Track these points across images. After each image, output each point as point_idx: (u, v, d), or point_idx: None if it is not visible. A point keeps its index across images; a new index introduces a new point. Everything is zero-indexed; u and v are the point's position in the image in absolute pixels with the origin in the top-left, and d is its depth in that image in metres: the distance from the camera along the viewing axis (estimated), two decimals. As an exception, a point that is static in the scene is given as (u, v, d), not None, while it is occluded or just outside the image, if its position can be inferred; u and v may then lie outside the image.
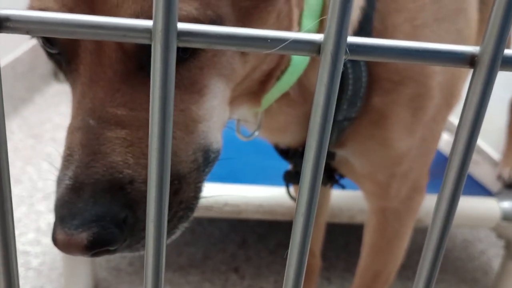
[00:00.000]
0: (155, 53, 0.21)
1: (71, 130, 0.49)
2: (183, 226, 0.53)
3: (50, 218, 1.49)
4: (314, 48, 0.22)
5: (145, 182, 0.48)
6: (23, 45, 2.08)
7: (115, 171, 0.47)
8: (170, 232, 0.52)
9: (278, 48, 0.22)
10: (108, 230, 0.45)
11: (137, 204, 0.47)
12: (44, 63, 2.24)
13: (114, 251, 0.48)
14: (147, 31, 0.22)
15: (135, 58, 0.48)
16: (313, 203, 0.25)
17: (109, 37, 0.22)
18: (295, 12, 0.58)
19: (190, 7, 0.46)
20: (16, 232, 0.27)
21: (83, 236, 0.44)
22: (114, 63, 0.48)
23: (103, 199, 0.46)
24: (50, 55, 0.53)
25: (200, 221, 1.53)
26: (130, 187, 0.47)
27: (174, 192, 0.51)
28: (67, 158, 0.48)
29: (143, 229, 0.48)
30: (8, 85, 2.02)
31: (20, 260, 1.32)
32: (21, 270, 1.30)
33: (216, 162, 0.57)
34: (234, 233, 1.51)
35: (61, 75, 0.55)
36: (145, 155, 0.48)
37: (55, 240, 0.46)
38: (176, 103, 0.50)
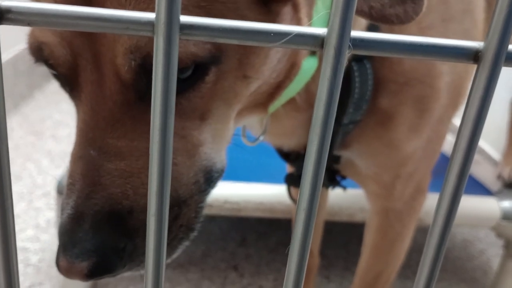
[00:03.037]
0: (158, 46, 0.21)
1: (74, 159, 0.50)
2: (184, 246, 0.55)
3: (49, 215, 1.49)
4: (318, 42, 0.22)
5: (143, 211, 0.49)
6: (24, 41, 2.07)
7: (114, 202, 0.48)
8: (170, 252, 0.54)
9: (282, 41, 0.22)
10: (107, 259, 0.47)
11: (136, 232, 0.49)
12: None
13: (114, 275, 0.50)
14: (150, 24, 0.21)
15: (133, 88, 0.48)
16: (315, 197, 0.25)
17: (111, 30, 0.21)
18: (305, 22, 0.57)
19: (189, 42, 0.45)
20: (15, 229, 0.27)
21: (84, 265, 0.46)
22: (114, 94, 0.48)
23: (103, 230, 0.48)
24: (55, 76, 0.53)
25: (200, 223, 1.53)
26: (129, 216, 0.49)
27: (174, 217, 0.52)
28: (70, 186, 0.50)
29: (143, 254, 0.49)
30: (9, 82, 2.02)
31: (19, 256, 1.32)
32: (20, 267, 1.30)
33: (220, 180, 0.58)
34: (233, 231, 1.51)
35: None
36: (144, 185, 0.49)
37: (58, 266, 0.48)
38: (177, 130, 0.51)
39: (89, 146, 0.49)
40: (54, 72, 0.51)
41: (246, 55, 0.51)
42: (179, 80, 0.48)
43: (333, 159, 0.77)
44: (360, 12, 0.43)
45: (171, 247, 0.53)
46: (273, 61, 0.55)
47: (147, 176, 0.49)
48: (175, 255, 0.54)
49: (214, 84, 0.51)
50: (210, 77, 0.50)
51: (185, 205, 0.53)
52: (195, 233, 0.55)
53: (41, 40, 0.49)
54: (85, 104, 0.49)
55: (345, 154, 0.76)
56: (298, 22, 0.56)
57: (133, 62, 0.46)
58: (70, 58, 0.48)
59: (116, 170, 0.49)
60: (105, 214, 0.48)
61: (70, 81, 0.50)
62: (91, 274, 0.46)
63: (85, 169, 0.49)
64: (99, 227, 0.47)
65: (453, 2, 0.70)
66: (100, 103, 0.49)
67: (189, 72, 0.49)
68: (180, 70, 0.48)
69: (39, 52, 0.50)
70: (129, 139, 0.49)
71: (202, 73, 0.49)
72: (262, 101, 0.61)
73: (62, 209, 0.50)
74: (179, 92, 0.49)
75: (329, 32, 0.22)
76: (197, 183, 0.54)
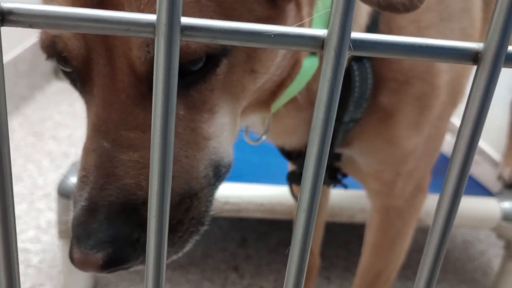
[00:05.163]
0: (159, 47, 0.21)
1: (86, 151, 0.51)
2: (194, 240, 0.55)
3: (50, 216, 1.50)
4: (318, 44, 0.22)
5: None
6: (24, 42, 2.08)
7: (128, 193, 0.48)
8: (182, 246, 0.54)
9: (282, 43, 0.22)
10: (122, 250, 0.47)
11: None
12: (45, 61, 2.24)
13: (128, 268, 0.49)
14: (151, 25, 0.21)
15: (147, 81, 0.49)
16: (315, 198, 0.25)
17: (112, 31, 0.22)
18: (306, 23, 0.58)
19: None
20: (16, 230, 0.27)
21: (99, 256, 0.46)
22: (127, 87, 0.49)
23: (117, 221, 0.48)
24: (65, 73, 0.54)
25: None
26: (143, 208, 0.49)
27: (185, 209, 0.52)
28: (83, 179, 0.50)
29: None
30: (9, 83, 2.02)
31: (20, 257, 1.32)
32: (21, 268, 1.30)
33: (228, 175, 0.59)
34: (234, 231, 1.51)
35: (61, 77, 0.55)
36: None
37: (72, 259, 0.48)
38: (188, 123, 0.51)
39: (102, 139, 0.49)
40: (66, 69, 0.52)
41: (254, 49, 0.52)
42: (190, 72, 0.49)
43: (334, 157, 0.77)
44: (369, 1, 0.43)
45: (182, 241, 0.53)
46: (278, 57, 0.56)
47: None
48: (185, 249, 0.55)
49: (224, 77, 0.51)
50: (221, 69, 0.50)
51: (196, 198, 0.53)
52: (204, 227, 0.55)
53: (54, 34, 0.49)
54: (98, 98, 0.50)
55: (346, 152, 0.77)
56: (300, 20, 0.57)
57: (148, 55, 0.47)
58: (84, 51, 0.49)
59: (130, 161, 0.49)
60: (120, 205, 0.48)
61: (82, 76, 0.51)
62: (106, 265, 0.46)
63: (99, 161, 0.49)
64: (113, 218, 0.47)
65: (451, 1, 0.71)
66: (113, 95, 0.49)
67: (200, 64, 0.49)
68: (193, 62, 0.48)
69: (52, 47, 0.50)
70: (142, 130, 0.49)
71: (213, 65, 0.50)
72: (265, 99, 0.62)
73: (74, 202, 0.50)
74: (191, 84, 0.50)
75: (329, 34, 0.22)
76: (206, 177, 0.54)
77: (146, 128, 0.49)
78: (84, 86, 0.51)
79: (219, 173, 0.56)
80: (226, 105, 0.54)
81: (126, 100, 0.49)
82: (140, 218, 0.48)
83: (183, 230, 0.52)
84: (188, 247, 0.55)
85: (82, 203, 0.49)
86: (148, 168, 0.48)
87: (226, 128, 0.55)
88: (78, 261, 0.47)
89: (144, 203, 0.49)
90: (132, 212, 0.48)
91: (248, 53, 0.52)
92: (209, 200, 0.55)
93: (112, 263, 0.47)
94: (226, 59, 0.50)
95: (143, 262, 0.50)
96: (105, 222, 0.47)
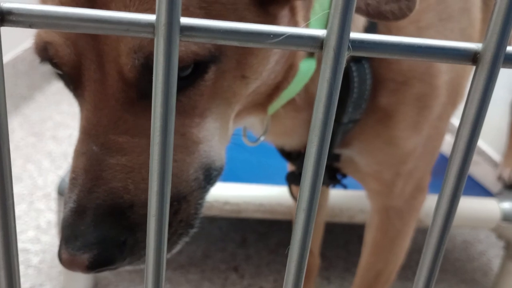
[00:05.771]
0: (158, 48, 0.21)
1: (76, 154, 0.52)
2: (183, 241, 0.56)
3: (50, 216, 1.50)
4: (317, 44, 0.22)
5: (144, 205, 0.50)
6: (24, 43, 2.08)
7: (115, 196, 0.50)
8: (170, 247, 0.55)
9: (281, 43, 0.22)
10: (107, 251, 0.48)
11: (136, 226, 0.50)
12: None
13: (115, 268, 0.51)
14: (150, 25, 0.22)
15: (136, 87, 0.49)
16: (315, 198, 0.25)
17: (112, 31, 0.22)
18: (302, 26, 0.57)
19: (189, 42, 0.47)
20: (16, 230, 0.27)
21: (85, 257, 0.48)
22: (116, 92, 0.49)
23: (104, 223, 0.49)
24: (59, 76, 0.55)
25: (200, 219, 1.53)
26: (130, 211, 0.50)
27: (174, 212, 0.53)
28: (72, 181, 0.51)
29: (143, 248, 0.51)
30: (9, 83, 2.02)
31: (20, 257, 1.32)
32: (21, 268, 1.30)
33: (219, 177, 0.59)
34: (234, 232, 1.51)
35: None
36: (144, 180, 0.51)
37: (60, 259, 0.49)
38: (177, 128, 0.52)
39: (92, 143, 0.50)
40: (59, 72, 0.53)
41: (244, 56, 0.52)
42: (179, 78, 0.50)
43: (333, 158, 0.77)
44: (357, 9, 0.44)
45: (171, 243, 0.54)
46: (270, 63, 0.56)
47: (148, 171, 0.49)
48: (174, 251, 0.55)
49: (214, 83, 0.52)
50: (209, 75, 0.51)
51: (185, 201, 0.54)
52: (194, 230, 0.56)
53: (46, 40, 0.50)
54: (88, 102, 0.50)
55: (345, 152, 0.77)
56: (295, 25, 0.56)
57: (136, 61, 0.47)
58: (74, 57, 0.49)
59: (118, 165, 0.50)
60: (107, 208, 0.49)
61: (74, 80, 0.51)
62: (92, 266, 0.48)
63: (88, 164, 0.50)
64: (100, 220, 0.49)
65: (451, 1, 0.71)
66: (103, 100, 0.50)
67: (189, 70, 0.50)
68: (181, 68, 0.49)
69: (44, 52, 0.51)
70: (131, 135, 0.50)
71: (201, 71, 0.50)
72: (261, 102, 0.62)
73: (64, 203, 0.51)
74: (179, 89, 0.50)
75: (328, 34, 0.22)
76: (196, 180, 0.55)
77: (134, 133, 0.50)
78: (76, 90, 0.52)
79: (210, 176, 0.57)
80: (217, 109, 0.54)
81: (116, 105, 0.50)
82: (127, 221, 0.50)
83: (171, 232, 0.53)
84: (177, 249, 0.56)
85: (70, 204, 0.50)
86: (136, 172, 0.50)
87: (218, 132, 0.56)
88: (65, 261, 0.48)
89: (131, 206, 0.50)
90: (119, 215, 0.49)
91: (238, 59, 0.52)
92: (199, 203, 0.56)
93: (97, 264, 0.48)
94: (214, 65, 0.50)
95: (130, 262, 0.51)
96: (92, 224, 0.48)
